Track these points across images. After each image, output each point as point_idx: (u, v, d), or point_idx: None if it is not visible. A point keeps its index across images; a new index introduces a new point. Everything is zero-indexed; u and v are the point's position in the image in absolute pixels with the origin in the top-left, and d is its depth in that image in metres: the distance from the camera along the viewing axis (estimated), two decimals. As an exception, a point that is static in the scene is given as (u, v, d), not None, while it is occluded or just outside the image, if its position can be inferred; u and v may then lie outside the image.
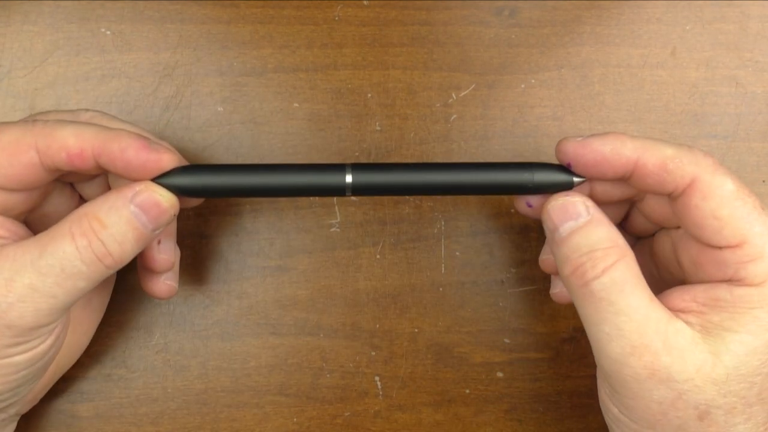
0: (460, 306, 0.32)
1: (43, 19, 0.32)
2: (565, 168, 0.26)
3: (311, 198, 0.33)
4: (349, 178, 0.25)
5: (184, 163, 0.26)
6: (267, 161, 0.33)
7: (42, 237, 0.24)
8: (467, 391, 0.32)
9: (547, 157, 0.33)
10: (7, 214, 0.25)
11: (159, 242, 0.27)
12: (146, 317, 0.32)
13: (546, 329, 0.33)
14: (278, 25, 0.33)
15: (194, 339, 0.32)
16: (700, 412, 0.22)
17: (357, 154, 0.33)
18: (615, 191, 0.27)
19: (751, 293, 0.23)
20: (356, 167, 0.25)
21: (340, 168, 0.25)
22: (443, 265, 0.33)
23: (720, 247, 0.23)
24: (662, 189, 0.24)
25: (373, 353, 0.32)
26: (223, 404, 0.32)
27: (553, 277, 0.30)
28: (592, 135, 0.25)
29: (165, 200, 0.24)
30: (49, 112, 0.27)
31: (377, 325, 0.32)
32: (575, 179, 0.26)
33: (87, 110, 0.27)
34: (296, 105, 0.33)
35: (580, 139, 0.25)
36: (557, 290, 0.29)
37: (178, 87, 0.32)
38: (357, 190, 0.25)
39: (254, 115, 0.33)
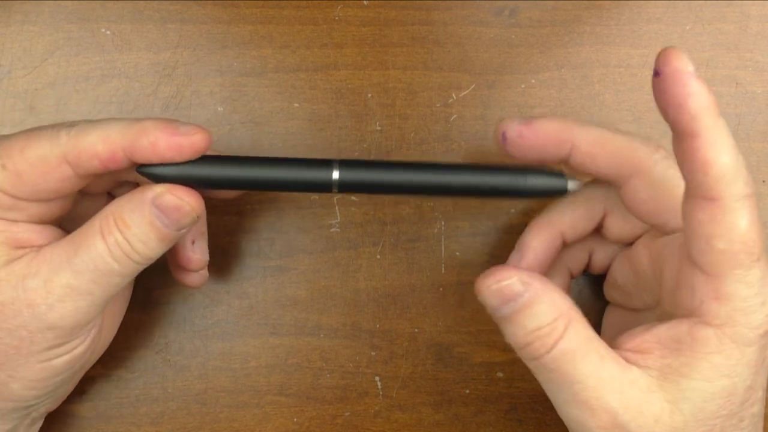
0: (460, 306, 0.32)
1: (43, 19, 0.32)
2: (559, 173, 0.25)
3: (311, 198, 0.33)
4: (336, 174, 0.25)
5: (207, 140, 0.25)
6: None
7: (75, 236, 0.24)
8: (467, 391, 0.32)
9: (547, 157, 0.33)
10: (44, 220, 0.25)
11: (193, 242, 0.28)
12: (146, 317, 0.32)
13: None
14: (278, 25, 0.33)
15: (194, 339, 0.32)
16: None
17: (357, 154, 0.33)
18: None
19: (709, 336, 0.22)
20: (344, 163, 0.25)
21: (327, 163, 0.25)
22: (443, 265, 0.33)
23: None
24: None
25: (373, 353, 0.32)
26: (223, 404, 0.32)
27: None
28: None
29: (186, 204, 0.24)
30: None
31: (377, 325, 0.32)
32: (569, 184, 0.25)
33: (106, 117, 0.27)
34: (296, 105, 0.33)
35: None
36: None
37: (178, 87, 0.32)
38: (344, 186, 0.25)
39: (254, 115, 0.33)
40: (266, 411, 0.32)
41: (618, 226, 0.28)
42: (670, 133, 0.36)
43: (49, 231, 0.25)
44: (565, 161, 0.26)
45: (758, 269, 0.22)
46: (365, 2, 0.33)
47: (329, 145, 0.33)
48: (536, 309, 0.23)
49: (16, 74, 0.32)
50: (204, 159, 0.24)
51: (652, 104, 0.34)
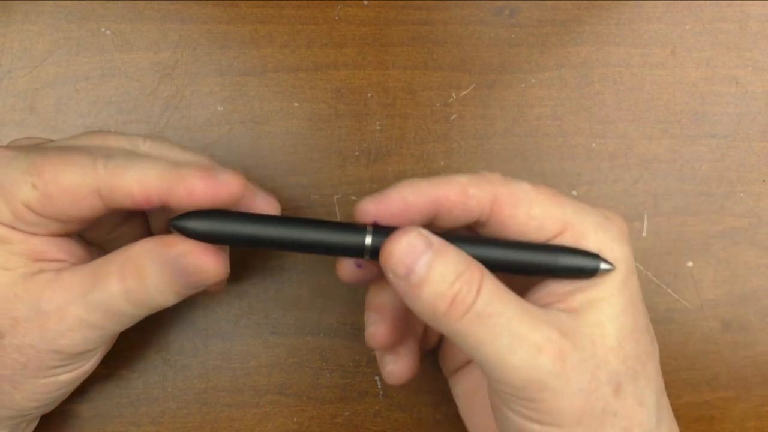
0: (460, 306, 0.32)
1: (43, 19, 0.32)
2: (592, 253, 0.24)
3: (311, 198, 0.32)
4: (368, 240, 0.23)
5: (247, 184, 0.25)
6: (266, 161, 0.33)
7: (94, 269, 0.24)
8: (467, 390, 0.32)
9: (547, 156, 0.33)
10: (64, 234, 0.25)
11: None
12: (146, 317, 0.32)
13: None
14: (278, 25, 0.33)
15: (194, 339, 0.32)
16: (614, 387, 0.22)
17: (357, 153, 0.33)
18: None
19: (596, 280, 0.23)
20: (377, 230, 0.23)
21: (360, 229, 0.23)
22: (443, 264, 0.33)
23: (547, 241, 0.24)
24: (470, 216, 0.24)
25: (373, 353, 0.32)
26: (223, 404, 0.32)
27: (383, 354, 0.28)
28: (384, 190, 0.24)
29: (208, 270, 0.23)
30: (106, 133, 0.26)
31: (377, 325, 0.32)
32: (602, 265, 0.23)
33: (145, 139, 0.26)
34: (296, 104, 0.33)
35: (375, 195, 0.24)
36: (391, 367, 0.28)
37: (178, 87, 0.32)
38: (376, 254, 0.23)
39: (254, 115, 0.33)
40: (266, 410, 0.32)
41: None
42: (669, 133, 0.36)
43: (68, 245, 0.25)
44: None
45: None
46: (365, 2, 0.33)
47: (329, 145, 0.33)
48: (449, 256, 0.22)
49: (16, 74, 0.32)
50: (236, 216, 0.23)
51: (652, 104, 0.34)
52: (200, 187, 0.23)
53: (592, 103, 0.34)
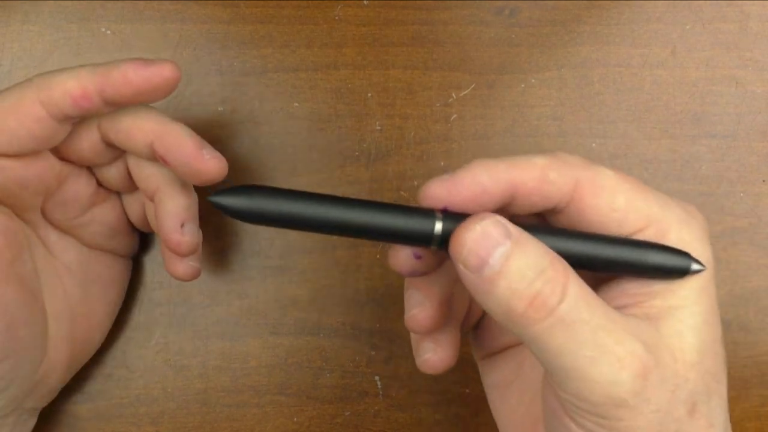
0: (460, 306, 0.32)
1: (43, 19, 0.32)
2: (683, 252, 0.21)
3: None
4: (438, 227, 0.21)
5: (177, 72, 0.25)
6: (266, 161, 0.33)
7: None
8: (467, 391, 0.32)
9: (547, 156, 0.33)
10: (25, 201, 0.25)
11: (182, 225, 0.27)
12: (146, 317, 0.32)
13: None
14: (278, 25, 0.33)
15: (194, 339, 0.32)
16: (690, 407, 0.21)
17: (357, 153, 0.33)
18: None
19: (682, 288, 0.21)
20: (447, 216, 0.21)
21: (430, 215, 0.21)
22: (443, 264, 0.33)
23: (631, 236, 0.22)
24: (548, 203, 0.22)
25: (373, 353, 0.32)
26: (223, 404, 0.32)
27: (422, 340, 0.25)
28: (456, 171, 0.22)
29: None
30: None
31: (377, 325, 0.32)
32: (693, 265, 0.21)
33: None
34: (296, 105, 0.33)
35: (444, 177, 0.21)
36: (429, 356, 0.25)
37: (178, 87, 0.32)
38: (446, 242, 0.21)
39: (254, 115, 0.33)
40: (266, 411, 0.32)
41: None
42: (669, 133, 0.36)
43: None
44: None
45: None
46: (365, 2, 0.33)
47: (329, 145, 0.33)
48: (530, 248, 0.19)
49: (16, 74, 0.32)
50: (281, 192, 0.20)
51: (652, 104, 0.34)
52: (133, 72, 0.23)
53: (592, 103, 0.34)
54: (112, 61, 0.24)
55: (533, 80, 0.34)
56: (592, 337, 0.19)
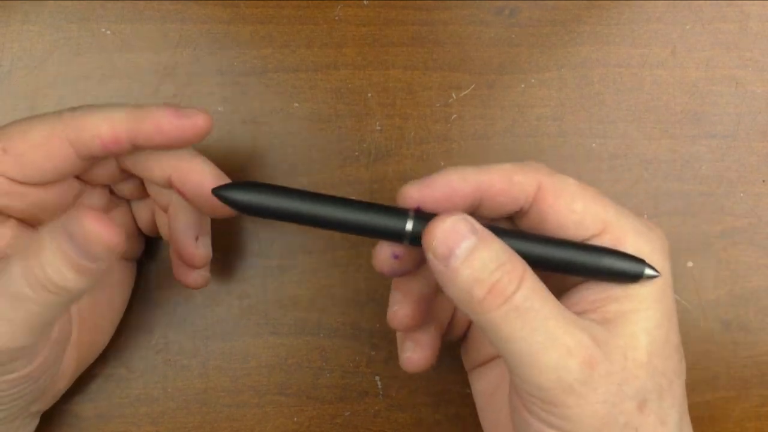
0: (460, 306, 0.32)
1: (43, 19, 0.32)
2: (637, 258, 0.23)
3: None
4: (409, 226, 0.23)
5: (209, 122, 0.25)
6: (266, 161, 0.33)
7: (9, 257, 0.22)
8: (467, 391, 0.32)
9: (547, 156, 0.33)
10: (42, 219, 0.25)
11: (197, 238, 0.27)
12: (146, 317, 0.32)
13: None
14: (278, 25, 0.33)
15: (194, 339, 0.32)
16: (639, 402, 0.22)
17: (357, 153, 0.33)
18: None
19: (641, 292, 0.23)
20: (419, 215, 0.23)
21: (403, 213, 0.23)
22: (443, 264, 0.33)
23: (586, 240, 0.23)
24: (515, 204, 0.24)
25: (373, 353, 0.32)
26: (223, 404, 0.32)
27: (404, 339, 0.27)
28: (429, 175, 0.24)
29: (95, 234, 0.21)
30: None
31: (377, 325, 0.32)
32: (647, 270, 0.23)
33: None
34: (296, 105, 0.33)
35: (419, 180, 0.24)
36: (409, 354, 0.27)
37: (178, 87, 0.33)
38: (417, 240, 0.23)
39: (254, 115, 0.33)
40: (266, 411, 0.32)
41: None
42: (669, 133, 0.36)
43: (9, 228, 0.25)
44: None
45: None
46: (365, 2, 0.33)
47: (329, 145, 0.33)
48: (493, 244, 0.22)
49: (16, 74, 0.32)
50: (278, 190, 0.23)
51: (652, 104, 0.34)
52: (166, 119, 0.23)
53: (592, 103, 0.34)
54: (145, 105, 0.24)
55: (533, 80, 0.34)
56: (543, 326, 0.21)
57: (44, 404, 0.28)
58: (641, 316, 0.23)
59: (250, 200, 0.23)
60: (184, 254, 0.28)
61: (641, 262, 0.23)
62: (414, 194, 0.24)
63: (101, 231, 0.21)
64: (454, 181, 0.23)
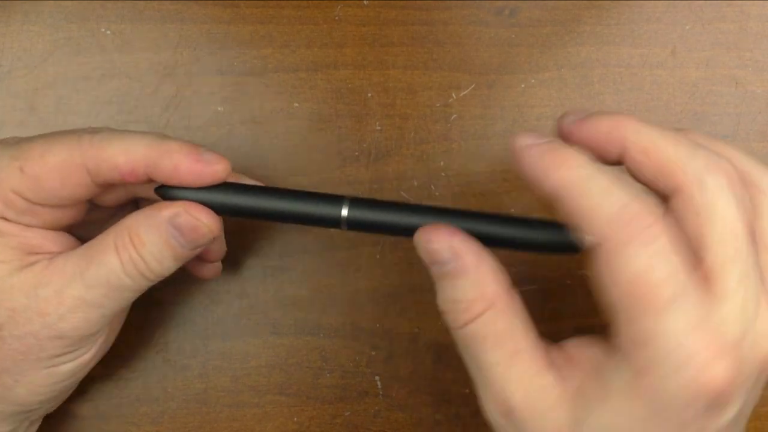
0: (460, 306, 0.32)
1: (43, 19, 0.32)
2: (563, 225, 0.23)
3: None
4: (344, 212, 0.24)
5: (227, 169, 0.25)
6: (266, 161, 0.33)
7: (88, 248, 0.24)
8: (467, 391, 0.32)
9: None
10: (56, 226, 0.25)
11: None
12: (146, 317, 0.32)
13: (546, 329, 0.33)
14: (278, 25, 0.33)
15: (194, 339, 0.32)
16: None
17: (357, 153, 0.33)
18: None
19: (621, 358, 0.21)
20: (354, 202, 0.24)
21: (338, 200, 0.24)
22: (443, 264, 0.33)
23: None
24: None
25: (373, 353, 0.32)
26: (223, 404, 0.32)
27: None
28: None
29: (203, 225, 0.24)
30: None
31: (377, 325, 0.32)
32: (574, 240, 0.22)
33: None
34: (296, 105, 0.33)
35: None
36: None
37: (178, 87, 0.33)
38: (352, 224, 0.24)
39: (254, 115, 0.33)
40: (266, 410, 0.32)
41: None
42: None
43: (62, 238, 0.25)
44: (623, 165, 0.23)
45: (677, 312, 0.19)
46: (365, 2, 0.33)
47: (329, 145, 0.33)
48: (458, 282, 0.22)
49: (16, 74, 0.32)
50: (218, 186, 0.24)
51: (652, 104, 0.34)
52: (186, 163, 0.23)
53: (592, 103, 0.34)
54: (168, 140, 0.24)
55: (533, 80, 0.34)
56: (477, 370, 0.23)
57: (51, 408, 0.28)
58: (604, 409, 0.21)
59: (186, 196, 0.24)
60: (203, 251, 0.28)
61: (564, 229, 0.23)
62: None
63: (209, 221, 0.24)
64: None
